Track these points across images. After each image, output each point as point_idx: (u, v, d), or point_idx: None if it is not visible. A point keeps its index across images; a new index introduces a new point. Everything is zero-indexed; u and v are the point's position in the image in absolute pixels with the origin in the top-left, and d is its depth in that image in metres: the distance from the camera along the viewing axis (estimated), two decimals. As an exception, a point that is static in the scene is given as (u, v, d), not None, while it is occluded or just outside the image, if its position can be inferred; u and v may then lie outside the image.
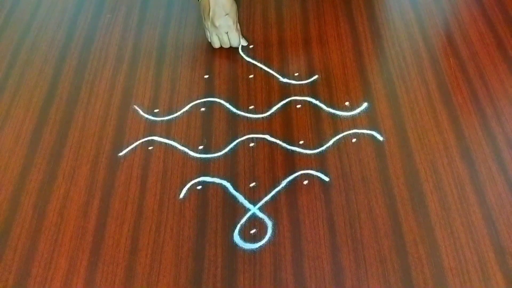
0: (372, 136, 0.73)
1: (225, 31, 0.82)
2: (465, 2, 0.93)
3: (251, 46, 0.86)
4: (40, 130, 0.76)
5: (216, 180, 0.70)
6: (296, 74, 0.82)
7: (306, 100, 0.78)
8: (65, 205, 0.68)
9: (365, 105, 0.77)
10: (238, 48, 0.85)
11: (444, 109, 0.76)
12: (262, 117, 0.77)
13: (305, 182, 0.69)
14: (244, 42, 0.85)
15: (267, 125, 0.75)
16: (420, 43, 0.85)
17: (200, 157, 0.72)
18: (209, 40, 0.85)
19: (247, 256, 0.62)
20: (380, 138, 0.73)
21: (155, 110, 0.78)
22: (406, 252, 0.62)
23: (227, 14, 0.80)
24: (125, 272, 0.61)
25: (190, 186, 0.69)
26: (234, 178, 0.70)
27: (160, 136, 0.75)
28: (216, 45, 0.84)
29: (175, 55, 0.86)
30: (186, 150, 0.73)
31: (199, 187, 0.69)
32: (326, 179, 0.69)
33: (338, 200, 0.67)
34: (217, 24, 0.81)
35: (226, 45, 0.84)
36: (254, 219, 0.66)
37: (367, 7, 0.92)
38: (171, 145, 0.74)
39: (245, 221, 0.65)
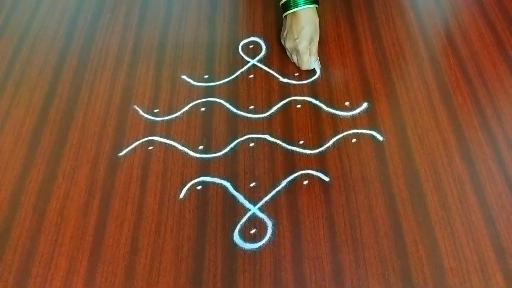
0: (372, 136, 0.73)
1: (294, 53, 0.81)
2: (465, 2, 0.93)
3: (251, 46, 0.87)
4: (40, 130, 0.76)
5: (216, 180, 0.70)
6: (296, 74, 0.82)
7: (306, 100, 0.78)
8: (65, 205, 0.68)
9: (365, 105, 0.77)
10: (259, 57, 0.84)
11: (444, 109, 0.76)
12: (262, 117, 0.77)
13: (305, 182, 0.69)
14: (317, 67, 0.81)
15: (267, 125, 0.75)
16: (420, 43, 0.85)
17: (200, 157, 0.72)
18: None
19: (247, 256, 0.62)
20: (380, 138, 0.73)
21: (155, 110, 0.78)
22: (406, 252, 0.62)
23: (296, 39, 0.79)
24: (125, 272, 0.61)
25: (190, 186, 0.69)
26: (234, 178, 0.70)
27: (160, 136, 0.75)
28: (294, 60, 0.83)
29: (175, 55, 0.86)
30: (186, 150, 0.73)
31: (199, 187, 0.69)
32: (326, 179, 0.69)
33: (338, 200, 0.67)
34: (286, 45, 0.82)
35: (297, 64, 0.83)
36: (254, 219, 0.66)
37: (367, 7, 0.92)
38: (171, 145, 0.74)
39: (245, 221, 0.65)
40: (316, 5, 0.80)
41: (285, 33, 0.82)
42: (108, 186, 0.69)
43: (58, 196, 0.69)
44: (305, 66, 0.81)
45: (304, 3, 0.78)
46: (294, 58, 0.82)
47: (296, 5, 0.78)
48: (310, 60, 0.81)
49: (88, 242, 0.64)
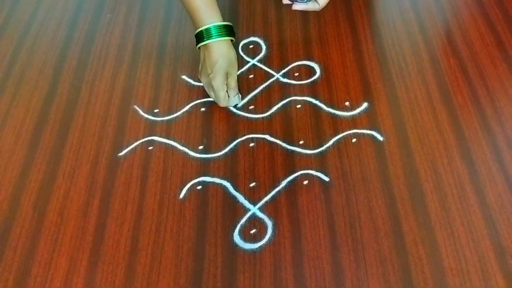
0: (372, 136, 0.73)
1: (210, 89, 0.76)
2: (465, 2, 0.93)
3: (251, 46, 0.87)
4: (40, 130, 0.76)
5: (216, 180, 0.70)
6: (296, 74, 0.82)
7: (306, 100, 0.78)
8: (65, 205, 0.68)
9: (365, 105, 0.77)
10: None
11: (444, 109, 0.76)
12: (262, 117, 0.77)
13: (305, 182, 0.69)
14: (237, 101, 0.77)
15: (267, 125, 0.75)
16: (420, 43, 0.85)
17: (200, 157, 0.72)
18: None
19: (247, 256, 0.62)
20: (380, 138, 0.73)
21: (155, 110, 0.78)
22: (406, 252, 0.62)
23: (210, 74, 0.74)
24: (125, 272, 0.61)
25: (190, 186, 0.69)
26: (234, 178, 0.70)
27: (160, 136, 0.75)
28: (212, 97, 0.78)
29: (175, 55, 0.86)
30: (186, 150, 0.73)
31: (199, 187, 0.69)
32: (326, 179, 0.69)
33: (338, 200, 0.67)
34: (202, 81, 0.77)
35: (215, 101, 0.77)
36: (254, 219, 0.66)
37: (367, 7, 0.92)
38: (171, 145, 0.74)
39: (245, 221, 0.65)
40: (231, 38, 0.76)
41: (200, 67, 0.77)
42: (108, 186, 0.69)
43: (58, 196, 0.69)
44: (222, 103, 0.75)
45: (217, 35, 0.74)
46: (212, 95, 0.76)
47: (209, 37, 0.74)
48: (227, 97, 0.75)
49: (88, 242, 0.64)
